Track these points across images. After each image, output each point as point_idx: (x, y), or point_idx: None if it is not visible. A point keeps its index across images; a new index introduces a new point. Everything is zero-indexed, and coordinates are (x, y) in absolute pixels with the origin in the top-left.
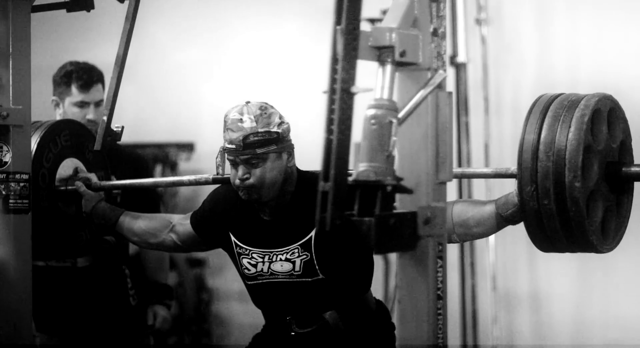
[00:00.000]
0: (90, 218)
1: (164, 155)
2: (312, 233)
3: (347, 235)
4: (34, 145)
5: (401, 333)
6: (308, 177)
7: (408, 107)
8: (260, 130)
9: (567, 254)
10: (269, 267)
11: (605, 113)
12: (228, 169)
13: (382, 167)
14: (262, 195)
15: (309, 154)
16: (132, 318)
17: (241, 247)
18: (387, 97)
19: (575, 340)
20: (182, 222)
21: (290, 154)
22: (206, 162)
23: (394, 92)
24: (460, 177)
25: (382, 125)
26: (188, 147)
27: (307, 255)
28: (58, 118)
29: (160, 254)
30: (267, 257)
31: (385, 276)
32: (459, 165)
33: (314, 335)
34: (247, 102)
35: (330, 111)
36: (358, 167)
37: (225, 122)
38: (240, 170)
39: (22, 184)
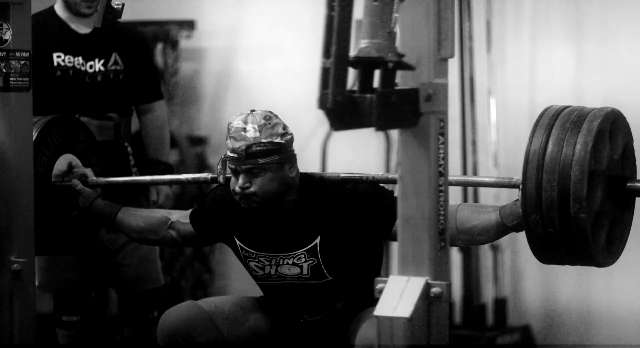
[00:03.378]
0: (88, 215)
1: (164, 33)
2: (318, 239)
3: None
4: None
5: (403, 210)
6: (310, 183)
7: None
8: (263, 140)
9: None
10: (277, 270)
11: (608, 129)
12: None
13: (383, 44)
14: (262, 204)
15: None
16: (136, 195)
17: (247, 251)
18: None
19: None
20: (182, 221)
21: (293, 164)
22: (207, 40)
23: None
24: (463, 185)
25: (383, 1)
26: (189, 25)
27: (314, 260)
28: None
29: (162, 133)
30: (274, 261)
31: (387, 153)
32: (461, 42)
33: (323, 321)
34: (252, 111)
35: None
36: (359, 43)
37: (228, 129)
38: (241, 179)
39: (22, 62)
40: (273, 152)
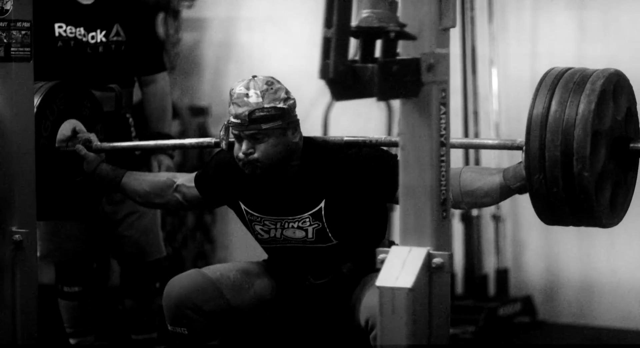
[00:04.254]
0: (92, 180)
1: (166, 3)
2: (322, 203)
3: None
4: None
5: (404, 181)
6: (314, 147)
7: None
8: (266, 105)
9: None
10: (282, 233)
11: (611, 89)
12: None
13: (385, 13)
14: (266, 170)
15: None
16: (137, 167)
17: (252, 215)
18: None
19: None
20: (187, 184)
21: (296, 129)
22: (208, 10)
23: None
24: (466, 147)
25: None
26: None
27: (319, 224)
28: None
29: (164, 104)
30: (279, 224)
31: (389, 123)
32: (462, 12)
33: (328, 284)
34: (254, 77)
35: None
36: (361, 13)
37: (231, 96)
38: (245, 144)
39: (23, 32)
40: (276, 117)
